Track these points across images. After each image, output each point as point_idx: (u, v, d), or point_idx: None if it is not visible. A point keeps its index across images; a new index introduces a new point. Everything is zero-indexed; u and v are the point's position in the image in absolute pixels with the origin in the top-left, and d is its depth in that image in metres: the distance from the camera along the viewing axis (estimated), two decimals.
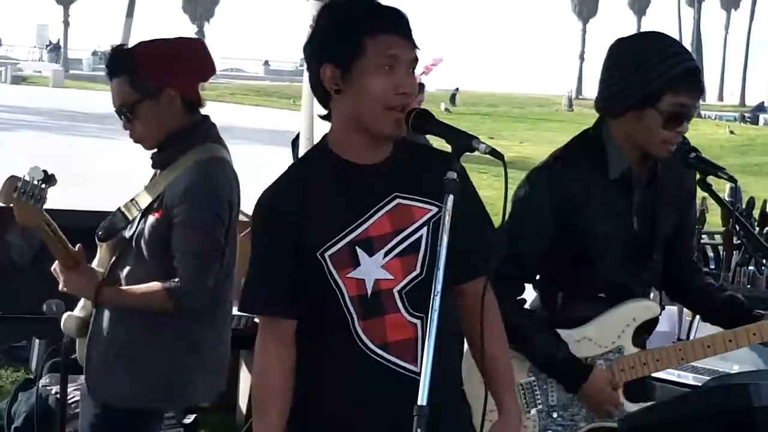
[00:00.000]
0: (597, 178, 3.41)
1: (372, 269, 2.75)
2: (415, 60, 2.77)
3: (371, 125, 2.75)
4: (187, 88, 3.79)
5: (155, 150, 3.81)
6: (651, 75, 3.29)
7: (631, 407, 3.46)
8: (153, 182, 3.79)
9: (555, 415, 3.48)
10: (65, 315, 3.88)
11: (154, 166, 3.83)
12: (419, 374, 2.64)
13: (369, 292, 2.75)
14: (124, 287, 3.74)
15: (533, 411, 3.48)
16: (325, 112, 2.85)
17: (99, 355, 3.77)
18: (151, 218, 3.69)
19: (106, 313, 3.77)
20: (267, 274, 2.80)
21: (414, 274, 2.77)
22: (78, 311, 3.88)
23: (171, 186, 3.68)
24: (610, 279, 3.45)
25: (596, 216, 3.39)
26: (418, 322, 2.77)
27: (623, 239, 3.43)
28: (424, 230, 2.79)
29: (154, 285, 3.65)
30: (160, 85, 3.71)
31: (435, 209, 2.78)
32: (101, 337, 3.77)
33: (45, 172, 3.59)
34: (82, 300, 3.87)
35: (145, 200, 3.74)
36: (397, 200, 2.79)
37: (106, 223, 3.82)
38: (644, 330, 3.51)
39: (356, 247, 2.74)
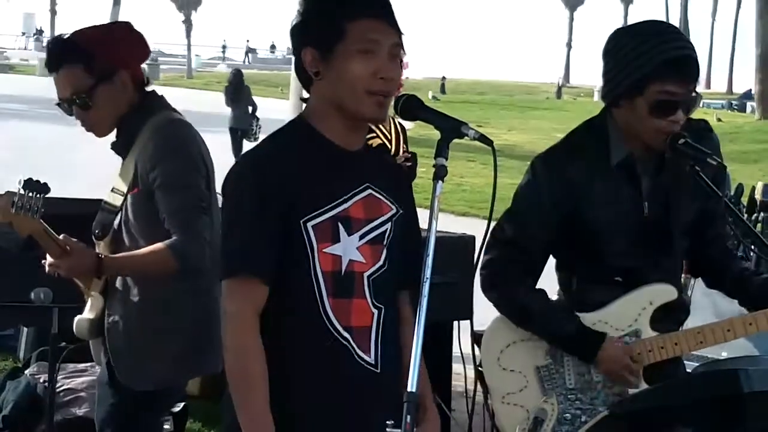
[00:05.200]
0: (599, 166, 3.40)
1: (349, 248, 2.75)
2: (398, 44, 2.77)
3: (351, 109, 2.75)
4: (137, 68, 3.83)
5: (114, 139, 3.80)
6: (636, 63, 3.29)
7: None
8: (124, 165, 3.76)
9: (573, 398, 3.47)
10: (76, 318, 3.82)
11: (118, 152, 3.80)
12: (374, 366, 2.77)
13: (343, 269, 2.74)
14: (122, 254, 3.68)
15: (553, 395, 3.48)
16: (307, 95, 2.86)
17: (121, 343, 3.72)
18: (131, 197, 3.67)
19: (118, 301, 3.73)
20: (257, 233, 2.71)
21: (379, 264, 2.80)
22: (87, 313, 3.81)
23: (140, 157, 3.66)
24: (622, 265, 3.43)
25: (599, 203, 3.39)
26: (376, 312, 2.79)
27: (632, 225, 3.41)
28: (389, 225, 2.83)
29: (155, 246, 3.58)
30: (114, 67, 3.72)
31: (395, 209, 2.85)
32: (119, 325, 3.72)
33: (38, 182, 3.56)
34: (90, 301, 3.81)
35: (123, 184, 3.72)
36: (369, 190, 2.81)
37: (99, 219, 3.79)
38: (665, 314, 3.46)
39: (339, 223, 2.74)
